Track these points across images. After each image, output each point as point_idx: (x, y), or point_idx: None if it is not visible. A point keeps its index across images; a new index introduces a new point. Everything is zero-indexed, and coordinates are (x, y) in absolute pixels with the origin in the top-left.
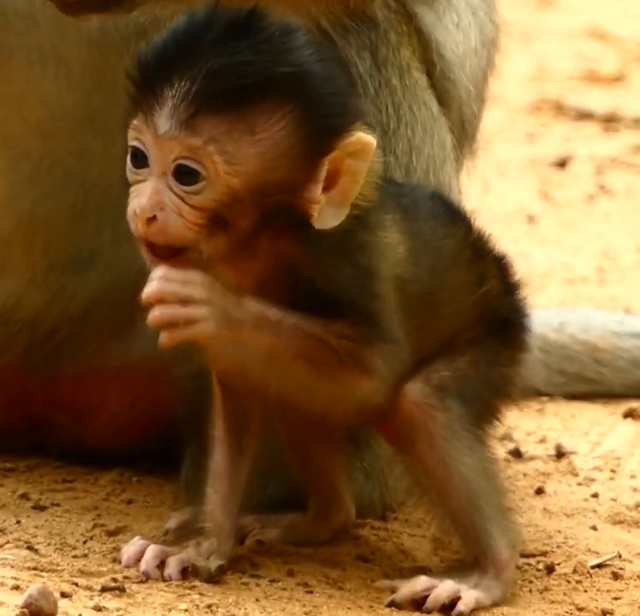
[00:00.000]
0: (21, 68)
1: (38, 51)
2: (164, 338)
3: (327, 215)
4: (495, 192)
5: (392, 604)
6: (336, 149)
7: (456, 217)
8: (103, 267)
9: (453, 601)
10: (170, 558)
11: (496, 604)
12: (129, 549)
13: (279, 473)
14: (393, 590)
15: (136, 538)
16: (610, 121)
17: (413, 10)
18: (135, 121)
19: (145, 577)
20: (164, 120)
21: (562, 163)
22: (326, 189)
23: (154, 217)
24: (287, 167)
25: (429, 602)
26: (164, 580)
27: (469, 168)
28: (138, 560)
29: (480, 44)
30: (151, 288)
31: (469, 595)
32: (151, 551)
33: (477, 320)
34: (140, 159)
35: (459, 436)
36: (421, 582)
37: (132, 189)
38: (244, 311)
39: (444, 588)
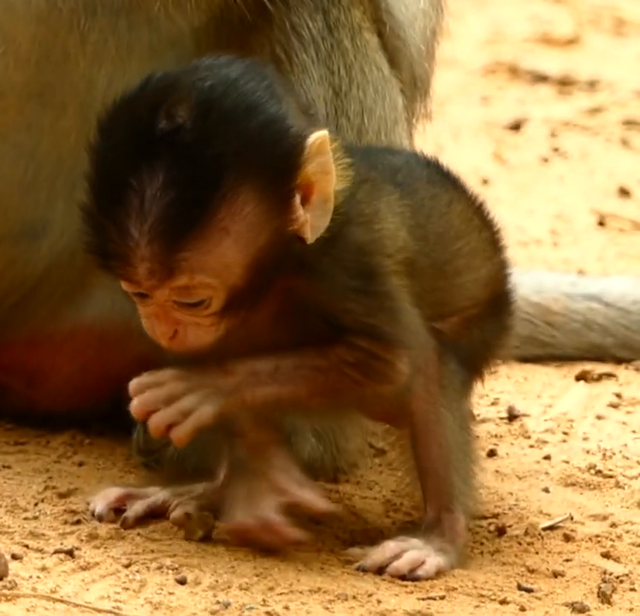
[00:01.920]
0: None
1: None
2: (175, 438)
3: (315, 223)
4: (449, 155)
5: (360, 569)
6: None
7: (456, 184)
8: (56, 236)
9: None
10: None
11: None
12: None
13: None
14: (355, 558)
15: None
16: (564, 83)
17: None
18: (103, 265)
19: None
20: (141, 275)
21: (516, 126)
22: (305, 202)
23: (175, 332)
24: (269, 228)
25: (391, 569)
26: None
27: (423, 130)
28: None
29: (429, 6)
30: (133, 407)
31: (431, 562)
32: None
33: (488, 293)
34: (140, 295)
35: (452, 389)
36: (390, 548)
37: (142, 311)
38: (233, 377)
39: (409, 557)
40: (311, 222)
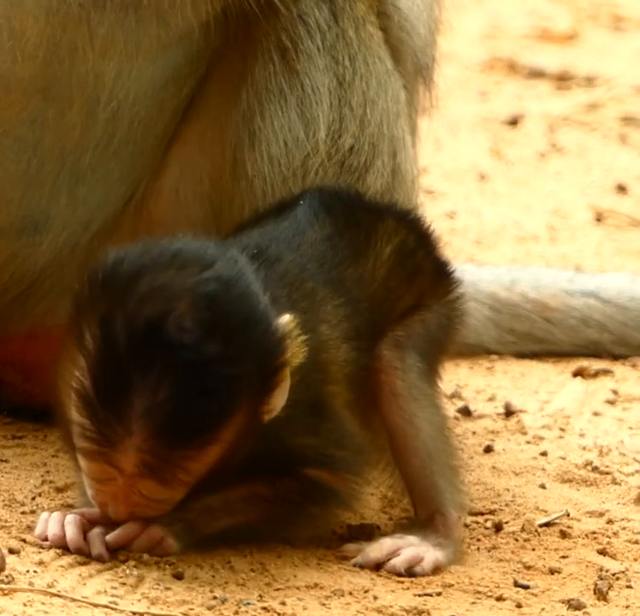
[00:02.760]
0: None
1: None
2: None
3: (275, 404)
4: (447, 150)
5: (356, 565)
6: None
7: (374, 233)
8: (57, 231)
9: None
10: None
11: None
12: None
13: None
14: (351, 554)
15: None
16: (562, 79)
17: None
18: (85, 446)
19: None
20: (129, 464)
21: (514, 121)
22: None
23: (131, 512)
24: (248, 425)
25: (388, 567)
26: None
27: (421, 125)
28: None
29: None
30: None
31: (429, 558)
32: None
33: (417, 293)
34: (100, 473)
35: (422, 397)
36: (387, 545)
37: (94, 486)
38: (190, 514)
39: (407, 555)
40: (274, 404)
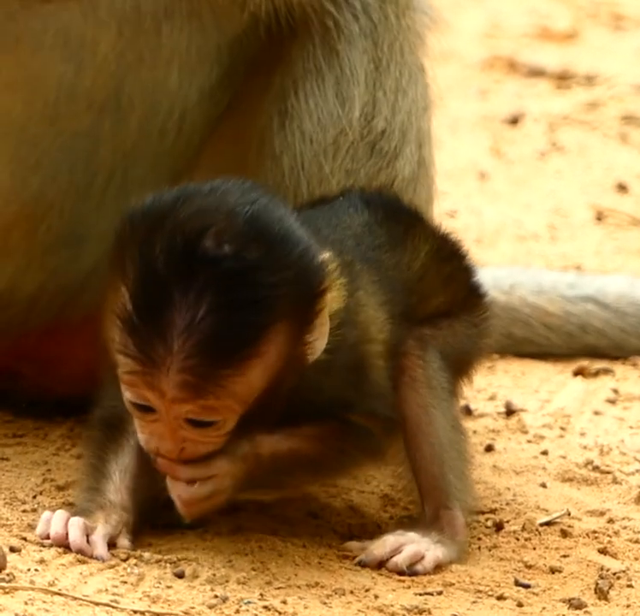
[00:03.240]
0: (38, 51)
1: (61, 34)
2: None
3: (316, 344)
4: (448, 149)
5: (360, 564)
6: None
7: (412, 229)
8: (99, 242)
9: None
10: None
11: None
12: (55, 524)
13: None
14: (354, 552)
15: (53, 514)
16: (562, 78)
17: None
18: (127, 372)
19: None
20: (170, 385)
21: (514, 120)
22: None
23: (182, 449)
24: (291, 353)
25: (391, 565)
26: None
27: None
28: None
29: None
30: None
31: (430, 556)
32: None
33: (450, 300)
34: (144, 409)
35: (440, 389)
36: (390, 542)
37: (142, 426)
38: (258, 457)
39: (409, 551)
40: (315, 343)
